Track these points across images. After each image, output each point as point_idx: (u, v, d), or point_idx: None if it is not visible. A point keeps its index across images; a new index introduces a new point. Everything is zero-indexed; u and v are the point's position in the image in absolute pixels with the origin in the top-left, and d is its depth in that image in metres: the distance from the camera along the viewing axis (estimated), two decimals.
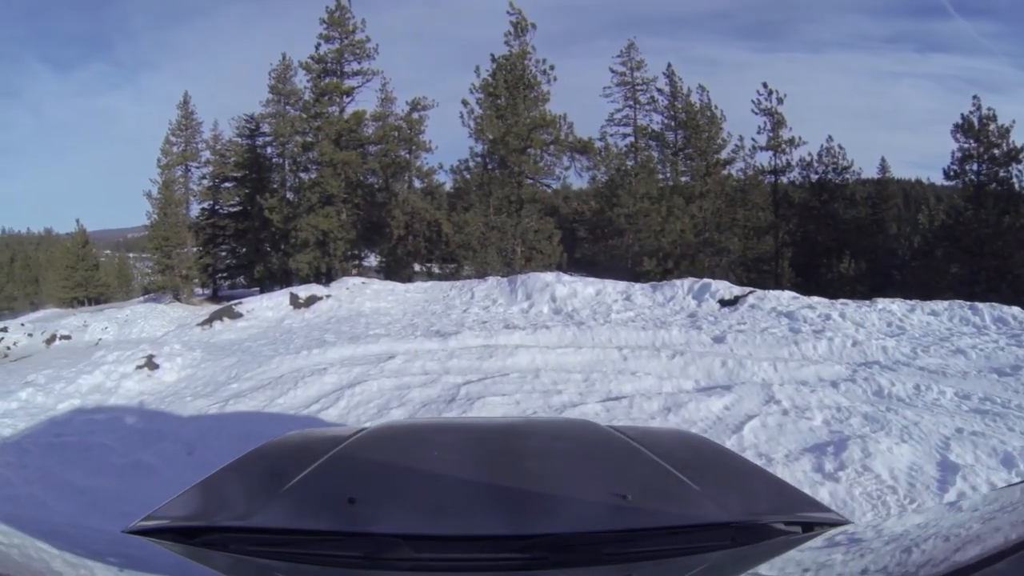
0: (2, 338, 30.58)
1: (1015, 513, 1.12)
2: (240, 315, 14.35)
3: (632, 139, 33.96)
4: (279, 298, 15.27)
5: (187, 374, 10.39)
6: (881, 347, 8.28)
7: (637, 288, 12.64)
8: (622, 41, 41.18)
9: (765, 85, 29.91)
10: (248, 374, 9.52)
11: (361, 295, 15.09)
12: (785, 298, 11.11)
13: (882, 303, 10.40)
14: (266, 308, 14.74)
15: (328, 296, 14.93)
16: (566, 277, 13.41)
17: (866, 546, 1.28)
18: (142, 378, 10.19)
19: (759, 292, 11.45)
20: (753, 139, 30.06)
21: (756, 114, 30.18)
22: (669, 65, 33.30)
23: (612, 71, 35.16)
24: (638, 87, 34.63)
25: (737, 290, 11.69)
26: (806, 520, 1.54)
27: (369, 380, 8.16)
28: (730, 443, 5.46)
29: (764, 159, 30.60)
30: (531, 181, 27.51)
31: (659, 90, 33.50)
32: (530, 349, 8.71)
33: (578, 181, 31.51)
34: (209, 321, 14.30)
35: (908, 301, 10.58)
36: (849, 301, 10.97)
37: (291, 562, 1.37)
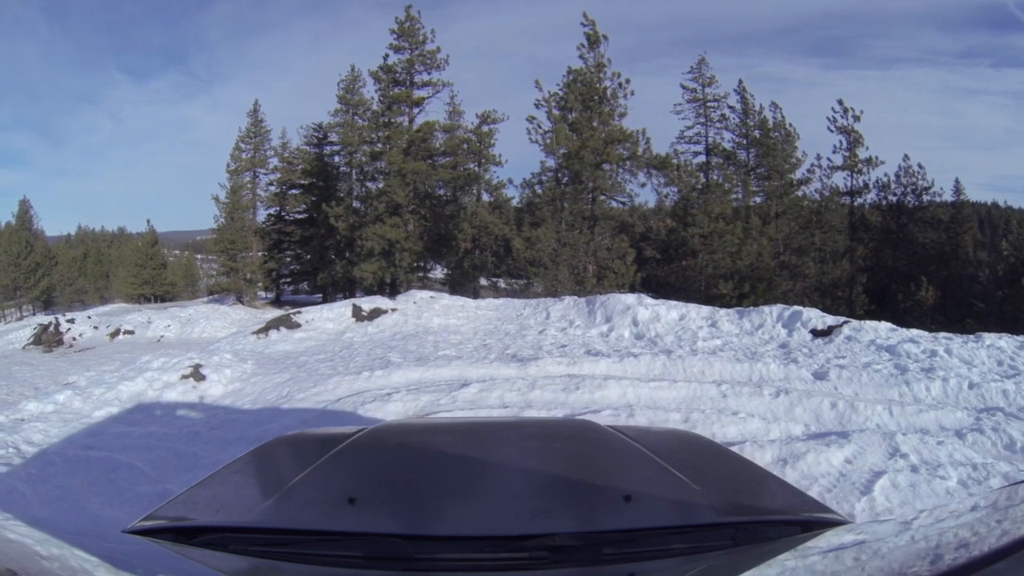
0: (69, 329, 31.59)
1: (1015, 513, 1.14)
2: (298, 325, 13.90)
3: (704, 157, 33.51)
4: (341, 309, 14.78)
5: (235, 388, 9.96)
6: (1001, 391, 7.50)
7: (722, 314, 11.99)
8: (688, 59, 41.00)
9: (841, 102, 29.07)
10: (301, 395, 8.99)
11: (429, 310, 14.52)
12: (883, 330, 10.32)
13: (989, 339, 9.58)
14: (326, 319, 14.26)
15: (394, 310, 14.41)
16: (648, 300, 12.79)
17: (866, 546, 1.27)
18: (186, 390, 9.82)
19: (854, 323, 10.72)
20: (828, 159, 29.21)
21: (832, 132, 29.35)
22: (740, 82, 32.90)
23: (683, 87, 34.67)
24: (709, 104, 34.11)
25: (830, 320, 10.97)
26: (806, 520, 1.56)
27: (440, 412, 7.53)
28: (860, 505, 5.01)
29: (839, 179, 29.67)
30: (604, 197, 27.21)
31: (731, 107, 33.05)
32: (620, 381, 8.05)
33: (647, 199, 30.89)
34: (265, 330, 13.88)
35: (1016, 337, 9.76)
36: (953, 336, 10.18)
37: (291, 562, 1.38)
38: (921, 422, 6.74)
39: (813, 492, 5.17)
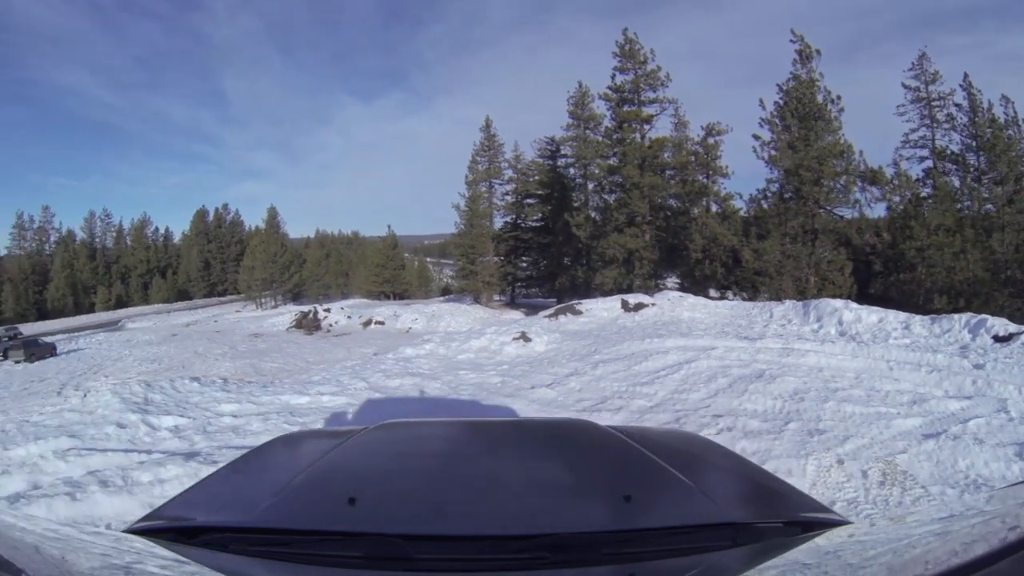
0: (325, 317, 38.87)
1: (1015, 513, 1.17)
2: (580, 312, 19.46)
3: (931, 163, 32.08)
4: (612, 303, 20.23)
5: (553, 347, 15.12)
6: None
7: (917, 319, 14.24)
8: (913, 45, 38.77)
9: None
10: (605, 350, 13.85)
11: (680, 306, 19.30)
12: None
13: None
14: (601, 309, 19.64)
15: (653, 304, 19.48)
16: (853, 304, 15.97)
17: (866, 546, 1.35)
18: (519, 346, 15.16)
19: None
20: None
21: None
22: (965, 76, 31.26)
23: (904, 86, 33.59)
24: (934, 103, 32.73)
25: (1012, 327, 12.42)
26: (806, 520, 1.62)
27: (699, 360, 11.94)
28: (955, 429, 7.25)
29: None
30: (825, 211, 28.34)
31: (956, 105, 31.50)
32: (817, 354, 11.86)
33: (870, 211, 30.10)
34: (555, 315, 19.56)
35: None
36: None
37: (291, 562, 1.44)
38: None
39: (927, 421, 7.83)
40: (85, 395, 11.57)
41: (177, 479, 6.59)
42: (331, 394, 11.38)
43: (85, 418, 9.98)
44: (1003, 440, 6.91)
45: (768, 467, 6.28)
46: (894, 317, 14.84)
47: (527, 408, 9.91)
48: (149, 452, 8.00)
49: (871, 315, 15.12)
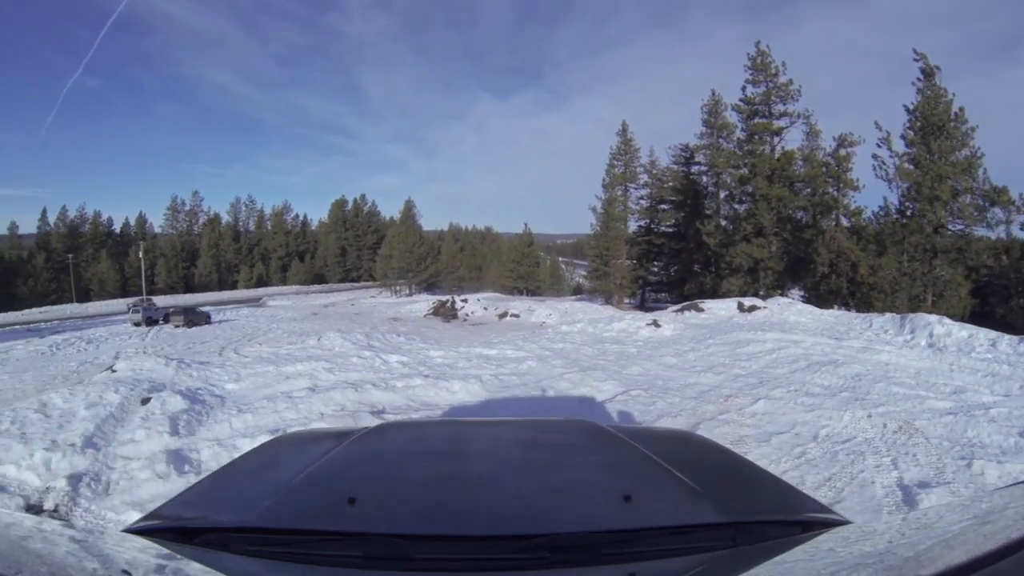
0: (462, 307, 42.64)
1: (1015, 513, 1.20)
2: (702, 310, 23.48)
3: None
4: (729, 304, 24.29)
5: (677, 334, 19.01)
6: None
7: (1006, 338, 15.05)
8: None
9: None
10: (717, 338, 17.52)
11: (788, 311, 22.64)
12: None
13: None
14: (720, 309, 23.51)
15: (764, 308, 23.09)
16: (947, 320, 17.52)
17: (866, 546, 1.38)
18: (651, 331, 19.27)
19: None
20: None
21: None
22: None
23: None
24: None
25: None
26: (806, 520, 1.67)
27: (789, 349, 15.40)
28: (975, 413, 9.06)
29: None
30: (952, 231, 29.19)
31: None
32: (889, 353, 14.75)
33: (999, 231, 30.65)
34: (681, 311, 23.73)
35: None
36: None
37: (291, 562, 1.48)
38: None
39: (957, 405, 9.73)
40: (320, 338, 16.73)
41: (421, 387, 10.93)
42: (512, 349, 15.80)
43: (326, 353, 14.50)
44: (1015, 425, 8.64)
45: (815, 415, 9.56)
46: (984, 335, 15.93)
47: (655, 367, 13.67)
48: (390, 374, 12.27)
49: (962, 331, 16.49)
